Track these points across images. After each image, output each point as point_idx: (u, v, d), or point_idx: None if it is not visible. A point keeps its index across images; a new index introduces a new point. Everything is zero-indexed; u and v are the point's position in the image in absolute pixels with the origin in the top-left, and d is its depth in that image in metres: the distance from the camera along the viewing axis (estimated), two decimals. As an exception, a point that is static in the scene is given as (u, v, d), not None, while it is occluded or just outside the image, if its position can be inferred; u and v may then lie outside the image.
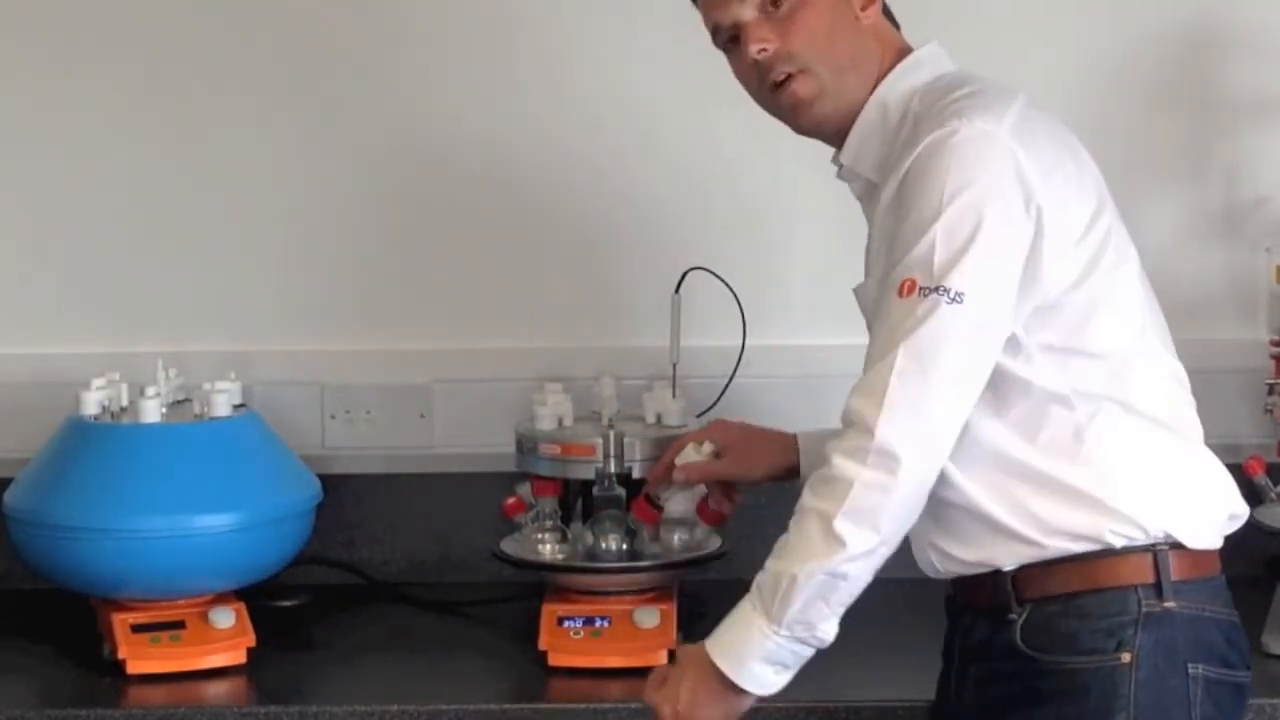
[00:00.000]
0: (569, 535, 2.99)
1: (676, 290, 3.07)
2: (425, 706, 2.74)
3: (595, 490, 2.96)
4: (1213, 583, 2.41)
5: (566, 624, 2.91)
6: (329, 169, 3.36)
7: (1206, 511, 2.42)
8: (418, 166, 3.36)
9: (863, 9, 2.46)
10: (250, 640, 2.93)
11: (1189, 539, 2.38)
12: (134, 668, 2.88)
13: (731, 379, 3.12)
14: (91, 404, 2.99)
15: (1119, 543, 2.35)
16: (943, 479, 2.38)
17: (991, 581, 2.40)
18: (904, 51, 2.50)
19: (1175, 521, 2.37)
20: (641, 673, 2.84)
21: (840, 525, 2.29)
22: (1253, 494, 3.00)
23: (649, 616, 2.90)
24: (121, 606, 2.93)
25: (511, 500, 3.02)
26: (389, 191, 3.37)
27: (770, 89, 2.47)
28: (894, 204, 2.36)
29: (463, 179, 3.36)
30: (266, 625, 2.98)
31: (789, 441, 2.77)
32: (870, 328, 2.41)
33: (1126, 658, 2.33)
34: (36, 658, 2.98)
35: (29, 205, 3.37)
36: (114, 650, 2.89)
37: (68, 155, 3.36)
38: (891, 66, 2.47)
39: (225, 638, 2.92)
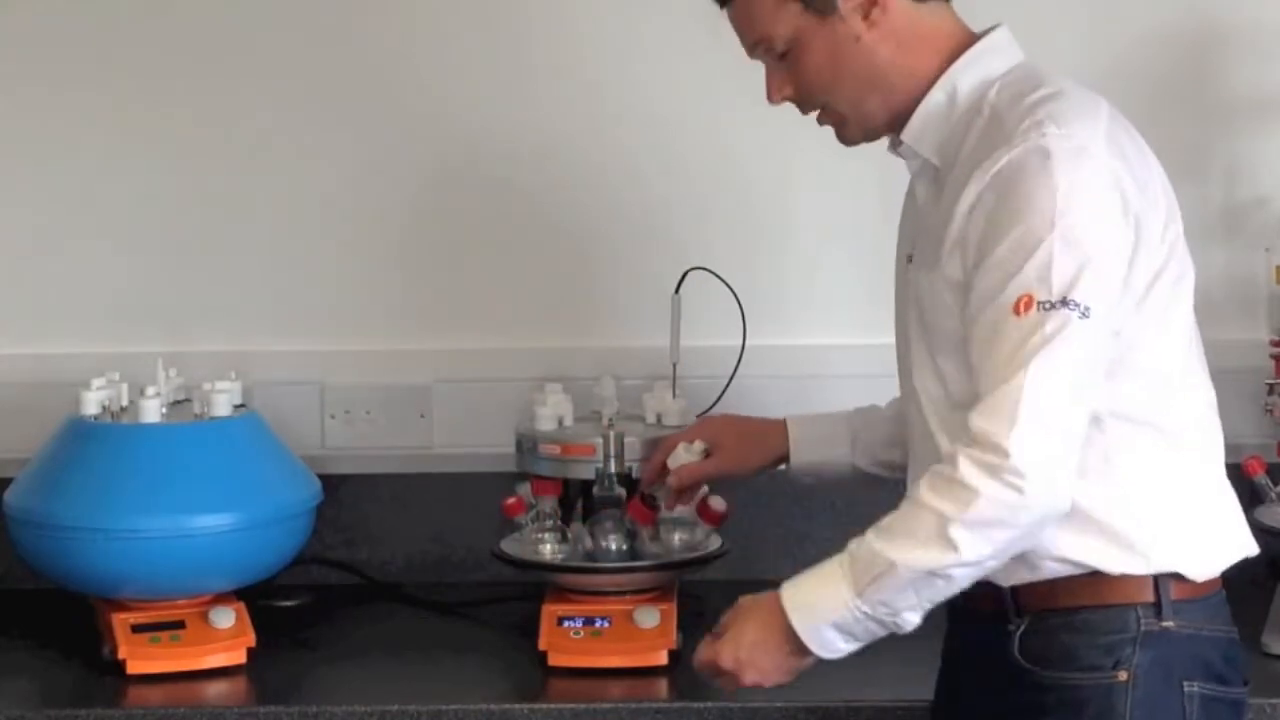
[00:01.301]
0: (569, 535, 2.99)
1: (676, 290, 3.07)
2: (425, 706, 2.74)
3: (595, 490, 2.97)
4: (1212, 600, 2.39)
5: (566, 624, 2.91)
6: (329, 170, 3.36)
7: (1218, 551, 2.40)
8: (418, 167, 3.36)
9: (868, 28, 2.39)
10: (250, 640, 2.93)
11: (1193, 574, 2.36)
12: (134, 668, 2.88)
13: (731, 379, 3.11)
14: (91, 404, 2.99)
15: (1117, 571, 2.33)
16: None
17: (991, 591, 2.38)
18: (961, 36, 2.43)
19: (1183, 559, 2.35)
20: (641, 673, 2.86)
21: (957, 532, 2.24)
22: (1253, 494, 3.00)
23: (649, 616, 2.90)
24: (121, 606, 2.93)
25: (511, 500, 3.01)
26: (389, 192, 3.37)
27: (802, 112, 2.49)
28: (980, 205, 2.29)
29: (463, 179, 3.36)
30: (266, 625, 2.98)
31: (778, 429, 2.77)
32: (929, 321, 2.37)
33: (1124, 675, 2.32)
34: (36, 658, 2.98)
35: (29, 205, 3.37)
36: (114, 650, 2.89)
37: (68, 156, 3.35)
38: (951, 54, 2.40)
39: (225, 638, 2.92)
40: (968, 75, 2.40)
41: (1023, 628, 2.36)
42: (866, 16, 2.39)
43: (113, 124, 3.35)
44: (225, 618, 2.93)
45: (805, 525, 3.33)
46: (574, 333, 3.36)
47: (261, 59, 3.34)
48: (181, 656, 2.90)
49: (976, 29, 2.49)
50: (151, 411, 2.95)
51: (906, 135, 2.43)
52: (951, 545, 2.24)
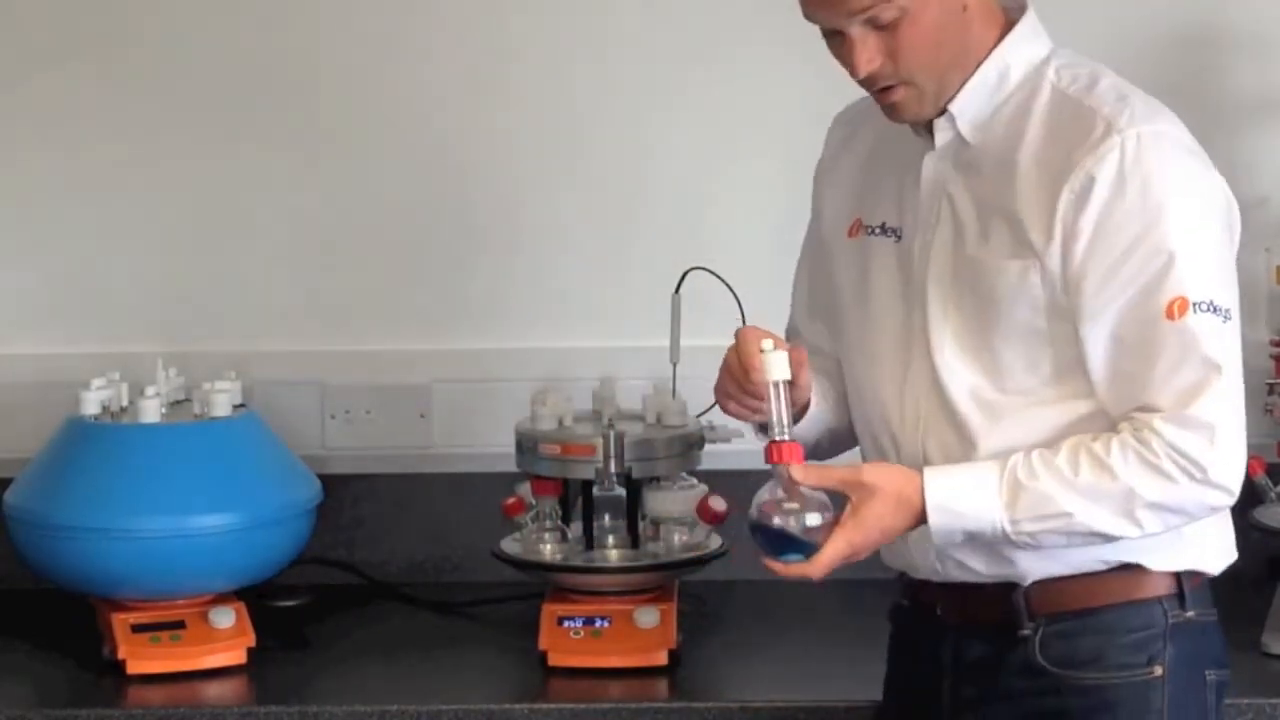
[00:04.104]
0: (569, 535, 2.99)
1: (676, 290, 3.07)
2: (425, 706, 2.74)
3: (595, 490, 2.97)
4: (1209, 586, 2.39)
5: (566, 624, 2.91)
6: (329, 169, 3.36)
7: (1229, 548, 2.42)
8: (417, 167, 3.36)
9: None
10: (250, 640, 2.93)
11: (1211, 569, 2.38)
12: (134, 668, 2.88)
13: (732, 379, 3.11)
14: (91, 404, 2.99)
15: (1159, 568, 2.33)
16: None
17: (1000, 595, 2.35)
18: (1001, 9, 2.36)
19: (1208, 555, 2.37)
20: (641, 673, 2.86)
21: (1145, 513, 2.24)
22: (1253, 494, 2.99)
23: (649, 616, 2.90)
24: (121, 606, 2.93)
25: (511, 500, 3.02)
26: (389, 192, 3.37)
27: (868, 87, 2.35)
28: (1091, 194, 2.24)
29: (462, 179, 3.36)
30: (266, 625, 2.98)
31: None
32: (986, 306, 2.30)
33: (1158, 671, 2.31)
34: (36, 658, 2.99)
35: (29, 205, 3.37)
36: (114, 650, 2.89)
37: (68, 156, 3.36)
38: (999, 27, 2.35)
39: (225, 638, 2.92)
40: (1021, 53, 2.35)
41: (1039, 632, 2.33)
42: None
43: (113, 126, 3.35)
44: (225, 618, 2.93)
45: (805, 525, 3.32)
46: (574, 333, 3.36)
47: (259, 64, 3.34)
48: (181, 656, 2.90)
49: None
50: (151, 411, 2.95)
51: (955, 107, 2.33)
52: (1136, 523, 2.24)
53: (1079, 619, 2.33)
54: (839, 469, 2.31)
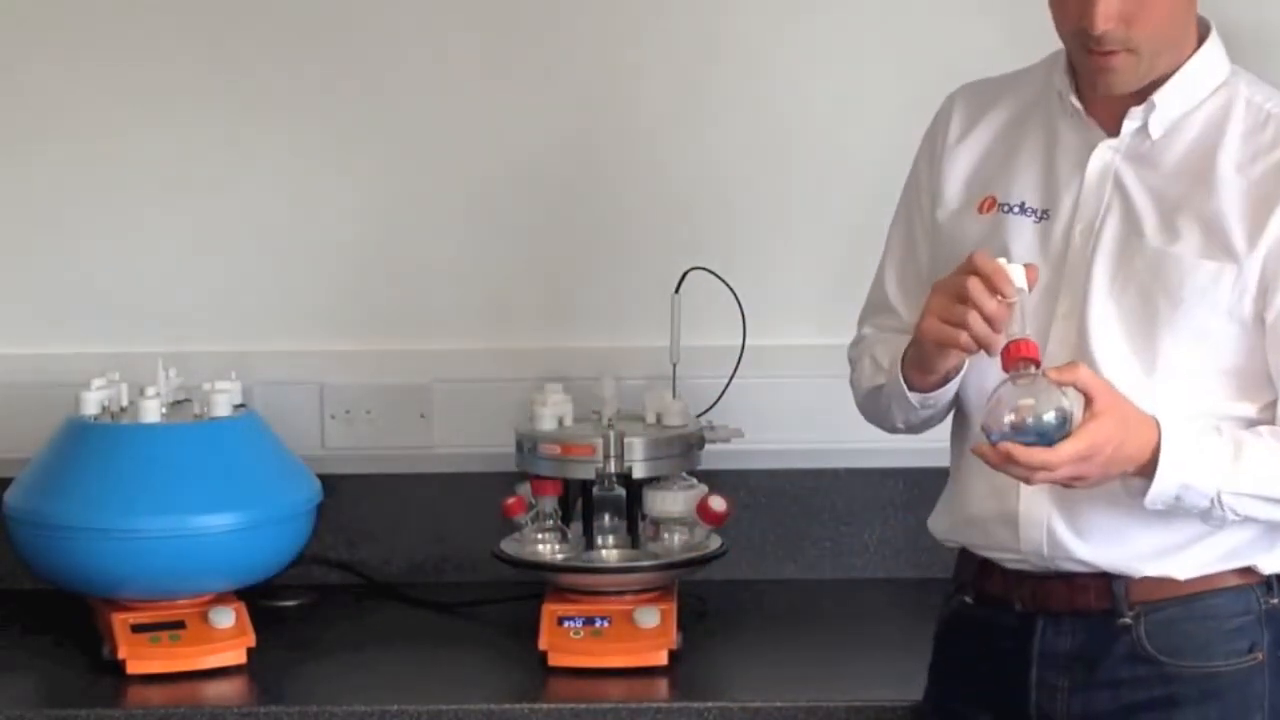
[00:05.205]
0: (569, 535, 2.99)
1: (676, 290, 3.07)
2: (425, 706, 2.74)
3: (595, 490, 2.97)
4: None
5: (566, 624, 2.91)
6: (329, 169, 3.36)
7: None
8: (418, 167, 3.36)
9: None
10: (250, 640, 2.93)
11: None
12: (134, 668, 2.88)
13: (731, 379, 3.12)
14: (91, 404, 2.99)
15: (1268, 569, 2.37)
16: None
17: (1093, 584, 2.35)
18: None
19: None
20: (641, 673, 2.86)
21: None
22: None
23: (649, 616, 2.90)
24: (121, 606, 2.93)
25: (511, 500, 3.02)
26: (388, 191, 3.37)
27: (1085, 46, 2.32)
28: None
29: (462, 179, 3.36)
30: (266, 625, 2.98)
31: None
32: (1160, 300, 2.31)
33: (1260, 656, 2.34)
34: (36, 658, 2.98)
35: (28, 205, 3.37)
36: (114, 650, 2.89)
37: (66, 155, 3.35)
38: (1199, 38, 2.38)
39: (225, 638, 2.92)
40: (1217, 60, 2.38)
41: (1141, 621, 2.33)
42: None
43: (111, 125, 3.34)
44: (225, 618, 2.93)
45: (805, 525, 3.33)
46: (574, 333, 3.36)
47: (261, 63, 3.34)
48: (181, 656, 2.90)
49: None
50: (151, 411, 2.95)
51: (1159, 98, 2.34)
52: None
53: (1177, 606, 2.34)
54: (1086, 371, 2.26)
